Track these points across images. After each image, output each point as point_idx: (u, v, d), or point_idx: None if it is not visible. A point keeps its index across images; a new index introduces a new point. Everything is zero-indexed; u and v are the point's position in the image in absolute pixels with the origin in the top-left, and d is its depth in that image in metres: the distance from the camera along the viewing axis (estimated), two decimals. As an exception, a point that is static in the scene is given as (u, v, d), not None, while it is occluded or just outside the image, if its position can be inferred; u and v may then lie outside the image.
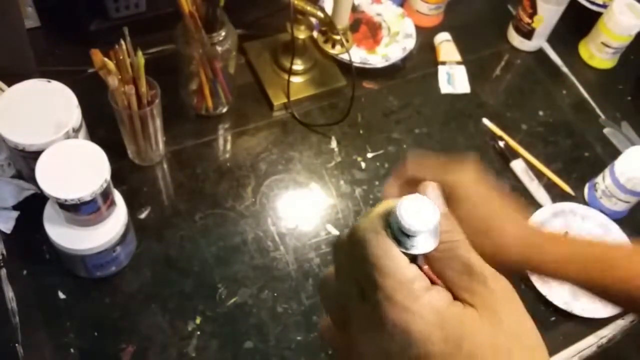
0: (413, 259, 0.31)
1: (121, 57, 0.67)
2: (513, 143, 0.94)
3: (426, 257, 0.31)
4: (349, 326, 0.31)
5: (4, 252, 0.74)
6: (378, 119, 0.94)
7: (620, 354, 0.81)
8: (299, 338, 0.73)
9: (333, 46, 0.91)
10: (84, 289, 0.73)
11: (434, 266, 0.31)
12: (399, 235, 0.31)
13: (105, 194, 0.64)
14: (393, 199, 0.31)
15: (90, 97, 0.72)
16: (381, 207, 0.32)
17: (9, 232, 0.75)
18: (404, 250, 0.30)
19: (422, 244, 0.31)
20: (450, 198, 0.45)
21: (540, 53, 1.08)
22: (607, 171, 0.85)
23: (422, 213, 0.30)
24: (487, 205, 0.49)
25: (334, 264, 0.34)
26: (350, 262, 0.32)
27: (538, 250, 0.51)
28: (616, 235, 0.85)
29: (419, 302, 0.28)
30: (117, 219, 0.68)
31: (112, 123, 0.76)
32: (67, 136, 0.68)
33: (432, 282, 0.30)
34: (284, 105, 0.92)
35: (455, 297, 0.29)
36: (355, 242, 0.31)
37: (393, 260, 0.29)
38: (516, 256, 0.50)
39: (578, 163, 0.95)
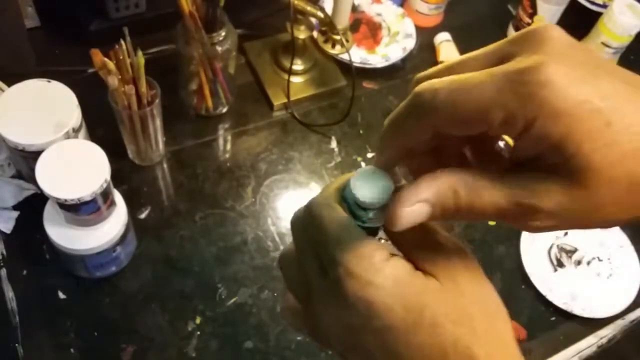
0: (372, 232, 0.31)
1: (121, 57, 0.67)
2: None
3: (386, 229, 0.31)
4: (312, 302, 0.31)
5: (4, 252, 0.74)
6: (378, 119, 0.94)
7: (620, 354, 0.81)
8: (299, 338, 0.73)
9: (333, 46, 0.91)
10: (84, 289, 0.73)
11: (393, 239, 0.31)
12: (355, 208, 0.30)
13: (105, 194, 0.64)
14: (349, 173, 0.31)
15: (90, 97, 0.72)
16: (336, 182, 0.32)
17: (9, 232, 0.75)
18: (360, 224, 0.30)
19: (378, 217, 0.30)
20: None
21: (540, 53, 1.07)
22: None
23: (376, 185, 0.30)
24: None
25: (293, 240, 0.33)
26: (308, 237, 0.32)
27: None
28: (616, 235, 0.85)
29: (379, 274, 0.28)
30: (117, 219, 0.68)
31: (112, 123, 0.76)
32: (67, 136, 0.68)
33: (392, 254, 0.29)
34: (284, 105, 0.92)
35: (416, 268, 0.29)
36: (312, 218, 0.31)
37: (350, 234, 0.29)
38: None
39: (578, 163, 0.95)
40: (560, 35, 0.26)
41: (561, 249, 0.83)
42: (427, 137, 0.28)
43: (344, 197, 0.31)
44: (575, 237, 0.85)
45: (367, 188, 0.30)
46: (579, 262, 0.83)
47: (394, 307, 0.27)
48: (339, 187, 0.31)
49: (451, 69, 0.29)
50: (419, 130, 0.28)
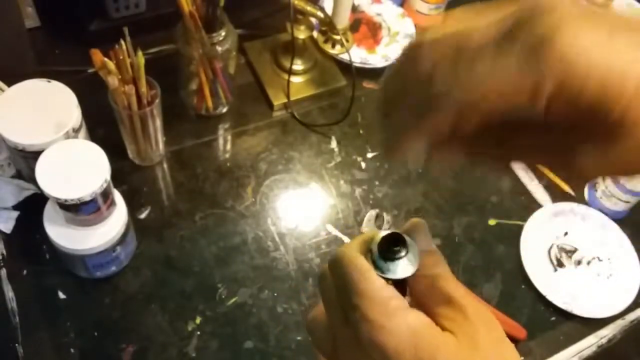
0: (396, 286, 0.32)
1: (121, 57, 0.67)
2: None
3: (409, 288, 0.33)
4: (336, 353, 0.32)
5: (4, 252, 0.74)
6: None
7: (620, 354, 0.81)
8: (299, 338, 0.73)
9: (333, 46, 0.91)
10: (84, 289, 0.73)
11: (416, 297, 0.32)
12: (378, 261, 0.32)
13: (105, 194, 0.64)
14: (374, 230, 0.33)
15: (90, 97, 0.72)
16: (362, 236, 0.33)
17: (9, 232, 0.75)
18: (382, 275, 0.32)
19: (400, 270, 0.32)
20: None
21: (540, 53, 1.07)
22: (607, 171, 0.85)
23: (399, 242, 0.32)
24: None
25: (320, 293, 0.34)
26: (334, 288, 0.33)
27: None
28: (616, 235, 0.85)
29: (394, 320, 0.28)
30: (117, 219, 0.68)
31: (112, 123, 0.76)
32: (67, 136, 0.68)
33: None
34: (284, 105, 0.92)
35: (435, 324, 0.30)
36: (336, 267, 0.32)
37: (370, 281, 0.30)
38: None
39: (578, 163, 0.95)
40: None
41: (561, 249, 0.83)
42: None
43: (370, 249, 0.33)
44: (575, 237, 0.85)
45: (391, 243, 0.32)
46: (579, 262, 0.83)
47: (405, 354, 0.28)
48: (363, 240, 0.33)
49: (460, 48, 0.28)
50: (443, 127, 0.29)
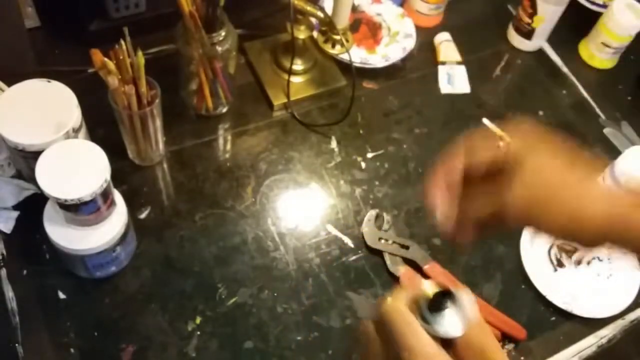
0: (440, 339, 0.35)
1: (121, 57, 0.67)
2: (513, 143, 0.94)
3: (454, 350, 0.35)
4: None
5: (4, 252, 0.74)
6: (378, 119, 0.94)
7: (620, 354, 0.81)
8: (299, 338, 0.73)
9: (333, 46, 0.91)
10: (84, 289, 0.73)
11: (454, 349, 0.35)
12: (427, 314, 0.35)
13: (105, 194, 0.64)
14: (422, 282, 0.37)
15: (90, 97, 0.72)
16: (409, 289, 0.36)
17: (9, 232, 0.75)
18: (429, 329, 0.35)
19: (449, 326, 0.35)
20: (507, 171, 0.45)
21: (540, 53, 1.08)
22: (607, 171, 0.85)
23: (450, 298, 0.35)
24: (552, 173, 0.45)
25: (362, 350, 0.38)
26: (380, 342, 0.36)
27: (623, 224, 0.43)
28: None
29: None
30: (117, 219, 0.68)
31: (112, 123, 0.76)
32: (67, 136, 0.68)
33: None
34: (284, 105, 0.92)
35: None
36: (384, 322, 0.35)
37: (418, 337, 0.34)
38: (594, 229, 0.43)
39: (578, 163, 0.95)
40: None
41: (561, 249, 0.83)
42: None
43: (419, 304, 0.36)
44: None
45: (442, 319, 0.35)
46: (579, 262, 0.83)
47: None
48: (414, 296, 0.36)
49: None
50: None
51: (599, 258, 0.84)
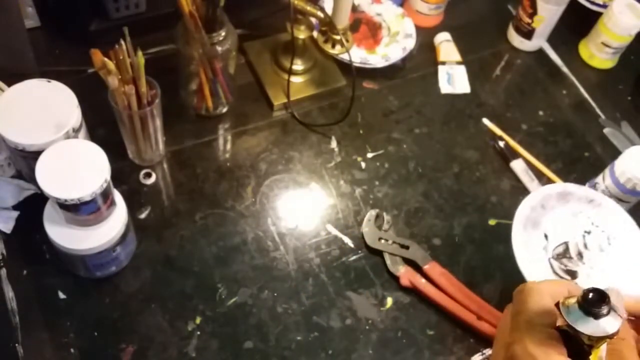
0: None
1: (121, 57, 0.67)
2: (513, 143, 0.94)
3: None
4: None
5: (4, 252, 0.74)
6: (378, 119, 0.94)
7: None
8: (299, 338, 0.73)
9: (333, 46, 0.91)
10: (84, 289, 0.73)
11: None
12: (577, 314, 0.36)
13: (105, 194, 0.64)
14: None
15: (90, 97, 0.72)
16: (545, 318, 0.39)
17: (9, 232, 0.75)
18: (578, 329, 0.36)
19: (606, 326, 0.35)
20: None
21: (540, 53, 1.08)
22: (607, 171, 0.85)
23: (606, 299, 0.36)
24: None
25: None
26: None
27: None
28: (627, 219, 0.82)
29: None
30: (117, 219, 0.68)
31: (112, 123, 0.76)
32: (67, 136, 0.68)
33: None
34: (284, 105, 0.92)
35: None
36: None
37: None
38: None
39: (578, 163, 0.95)
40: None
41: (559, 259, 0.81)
42: None
43: (568, 311, 0.38)
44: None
45: (594, 320, 0.36)
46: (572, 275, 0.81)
47: None
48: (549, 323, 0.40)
49: None
50: None
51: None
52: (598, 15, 1.05)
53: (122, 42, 0.67)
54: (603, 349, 0.37)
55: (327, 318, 0.75)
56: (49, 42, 0.91)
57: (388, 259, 0.79)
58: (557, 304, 0.38)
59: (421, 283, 0.77)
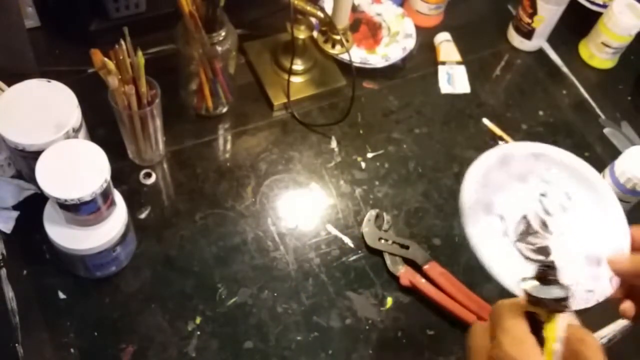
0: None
1: (121, 57, 0.67)
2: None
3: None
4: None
5: (4, 252, 0.74)
6: (378, 119, 0.94)
7: (620, 354, 0.81)
8: (299, 338, 0.73)
9: (333, 46, 0.91)
10: (84, 289, 0.73)
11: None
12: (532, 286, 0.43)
13: (105, 194, 0.64)
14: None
15: (90, 97, 0.72)
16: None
17: (9, 232, 0.75)
18: (536, 296, 0.41)
19: (556, 291, 0.41)
20: None
21: (540, 53, 1.08)
22: (607, 171, 0.85)
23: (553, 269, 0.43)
24: None
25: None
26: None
27: None
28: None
29: None
30: (117, 219, 0.68)
31: (112, 123, 0.76)
32: (67, 136, 0.68)
33: None
34: (284, 105, 0.92)
35: None
36: (494, 311, 0.46)
37: (514, 321, 0.42)
38: None
39: (578, 163, 0.95)
40: None
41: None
42: None
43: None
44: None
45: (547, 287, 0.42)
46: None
47: None
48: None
49: None
50: None
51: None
52: (598, 15, 1.05)
53: (122, 42, 0.67)
54: (560, 336, 0.41)
55: (327, 318, 0.75)
56: (49, 42, 0.91)
57: (388, 259, 0.79)
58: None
59: (421, 283, 0.77)
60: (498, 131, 0.95)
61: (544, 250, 0.66)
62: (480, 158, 0.66)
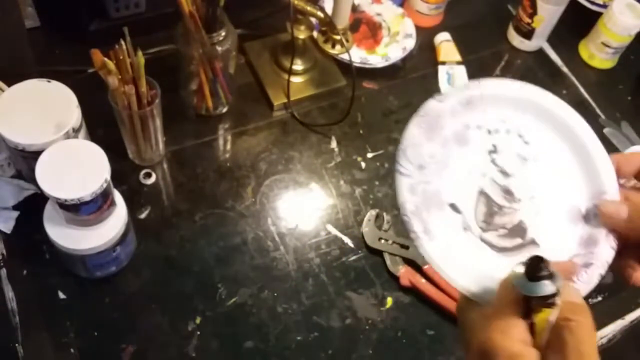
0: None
1: (121, 57, 0.67)
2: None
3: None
4: None
5: (4, 252, 0.74)
6: (378, 119, 0.94)
7: (620, 354, 0.81)
8: (299, 338, 0.73)
9: (333, 46, 0.91)
10: (84, 289, 0.73)
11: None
12: (522, 282, 0.39)
13: (105, 194, 0.64)
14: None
15: (90, 97, 0.72)
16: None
17: (9, 232, 0.75)
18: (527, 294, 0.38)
19: (544, 289, 0.38)
20: None
21: (540, 53, 1.08)
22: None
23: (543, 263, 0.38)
24: None
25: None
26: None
27: None
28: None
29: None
30: (117, 219, 0.68)
31: (112, 123, 0.76)
32: (67, 136, 0.68)
33: None
34: (284, 105, 0.92)
35: None
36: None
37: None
38: None
39: (578, 163, 0.95)
40: None
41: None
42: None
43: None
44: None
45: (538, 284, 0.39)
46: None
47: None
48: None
49: None
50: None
51: None
52: (598, 15, 1.05)
53: (122, 42, 0.67)
54: (551, 320, 0.39)
55: (327, 318, 0.75)
56: (49, 42, 0.91)
57: (388, 259, 0.79)
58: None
59: (421, 283, 0.77)
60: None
61: (518, 230, 0.49)
62: (404, 136, 0.48)
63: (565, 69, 1.06)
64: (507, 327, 0.38)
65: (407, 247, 0.80)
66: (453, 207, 0.48)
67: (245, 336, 0.72)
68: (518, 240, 0.48)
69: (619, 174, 0.48)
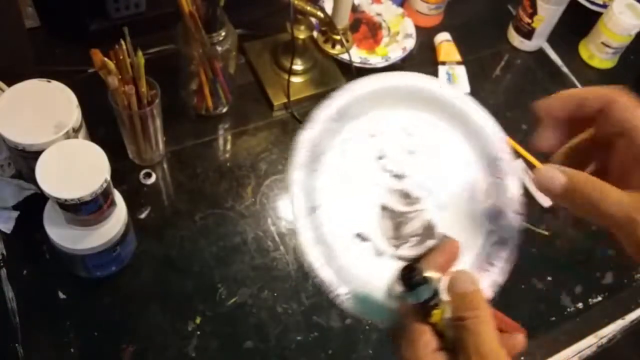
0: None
1: (121, 57, 0.67)
2: (513, 143, 0.94)
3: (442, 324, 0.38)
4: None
5: (4, 252, 0.74)
6: (378, 119, 0.94)
7: (620, 354, 0.81)
8: (299, 338, 0.73)
9: (333, 46, 0.91)
10: (84, 289, 0.73)
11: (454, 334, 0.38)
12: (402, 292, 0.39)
13: (106, 194, 0.64)
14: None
15: (90, 97, 0.72)
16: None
17: (9, 232, 0.75)
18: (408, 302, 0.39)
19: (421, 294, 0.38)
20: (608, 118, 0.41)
21: (540, 53, 1.08)
22: (607, 171, 0.85)
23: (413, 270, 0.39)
24: None
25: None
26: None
27: None
28: None
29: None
30: (117, 219, 0.68)
31: (112, 123, 0.76)
32: (67, 136, 0.68)
33: None
34: (284, 105, 0.92)
35: None
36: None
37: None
38: None
39: (578, 163, 0.95)
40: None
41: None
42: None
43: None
44: None
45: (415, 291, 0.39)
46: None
47: None
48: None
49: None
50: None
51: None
52: (598, 15, 1.05)
53: (122, 42, 0.67)
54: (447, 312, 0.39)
55: (327, 318, 0.75)
56: (49, 42, 0.91)
57: (388, 259, 0.79)
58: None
59: (421, 283, 0.77)
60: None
61: (429, 232, 0.46)
62: (290, 185, 0.48)
63: (565, 69, 1.06)
64: (412, 336, 0.38)
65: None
66: (360, 236, 0.45)
67: (245, 336, 0.72)
68: (431, 242, 0.46)
69: (584, 107, 0.44)
